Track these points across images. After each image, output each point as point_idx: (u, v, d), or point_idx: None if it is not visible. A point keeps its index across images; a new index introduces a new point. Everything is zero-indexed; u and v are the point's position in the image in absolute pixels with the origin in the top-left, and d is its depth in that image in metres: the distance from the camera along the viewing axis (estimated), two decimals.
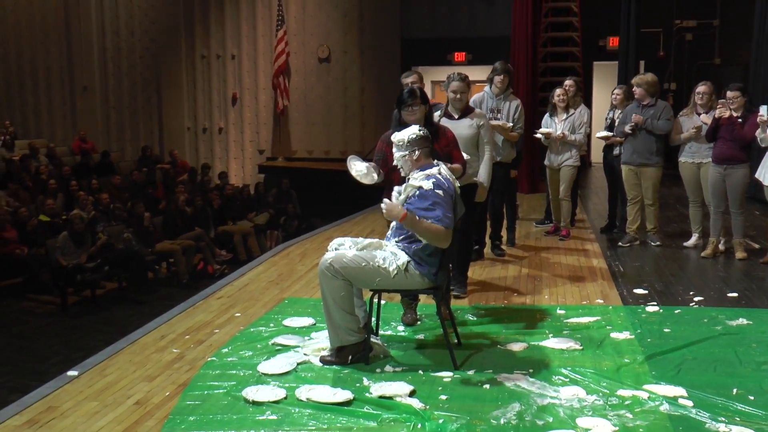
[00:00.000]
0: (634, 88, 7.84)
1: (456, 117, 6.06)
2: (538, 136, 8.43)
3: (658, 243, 8.03)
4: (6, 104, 20.33)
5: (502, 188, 7.51)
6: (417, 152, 4.52)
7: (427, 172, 4.48)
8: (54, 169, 15.06)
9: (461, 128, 5.90)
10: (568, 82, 8.55)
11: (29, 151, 15.87)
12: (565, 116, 8.28)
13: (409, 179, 4.56)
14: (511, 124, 7.21)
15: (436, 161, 4.62)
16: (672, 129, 7.68)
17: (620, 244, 8.09)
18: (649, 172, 7.80)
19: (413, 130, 4.56)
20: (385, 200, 4.47)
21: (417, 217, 4.36)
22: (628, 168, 7.91)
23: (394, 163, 4.66)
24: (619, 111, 8.41)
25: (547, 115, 8.45)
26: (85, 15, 19.56)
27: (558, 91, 8.37)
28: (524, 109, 7.53)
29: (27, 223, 11.59)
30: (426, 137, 4.57)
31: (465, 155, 5.52)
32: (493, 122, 6.99)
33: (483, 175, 5.98)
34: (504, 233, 7.98)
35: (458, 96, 5.99)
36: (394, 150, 4.63)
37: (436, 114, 6.11)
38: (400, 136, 4.56)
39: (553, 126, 8.31)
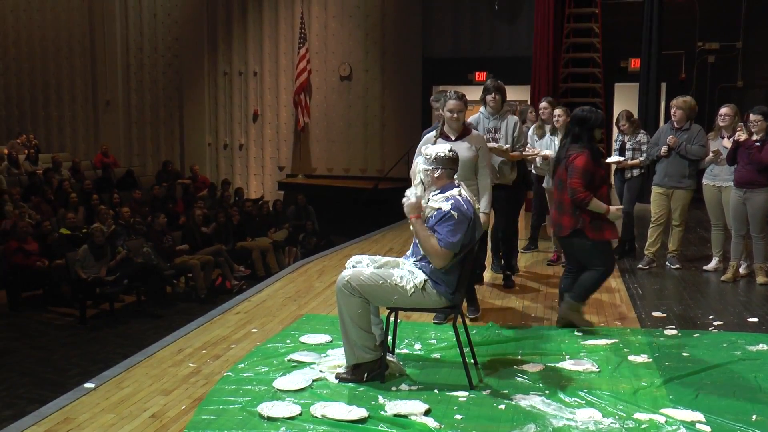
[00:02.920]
0: (674, 111, 7.75)
1: (453, 138, 5.73)
2: (536, 153, 8.01)
3: (677, 266, 7.98)
4: (30, 118, 20.60)
5: (510, 210, 7.08)
6: (440, 171, 4.56)
7: (447, 194, 4.51)
8: (76, 182, 15.21)
9: (460, 150, 5.37)
10: (558, 111, 8.10)
11: (52, 165, 16.05)
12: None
13: (429, 200, 4.58)
14: (509, 146, 6.72)
15: (457, 182, 4.63)
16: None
17: (639, 266, 8.04)
18: (680, 195, 7.79)
19: (444, 149, 4.60)
20: (409, 193, 4.54)
21: (426, 226, 4.45)
22: (659, 190, 7.88)
23: (418, 173, 4.68)
24: (628, 135, 8.38)
25: (548, 135, 8.16)
26: (109, 31, 19.82)
27: (557, 111, 8.05)
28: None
29: (48, 235, 11.69)
30: (454, 159, 4.61)
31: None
32: (490, 145, 6.50)
33: (484, 203, 5.77)
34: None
35: (455, 115, 5.65)
36: (419, 160, 4.69)
37: (431, 134, 5.89)
38: (431, 150, 4.62)
39: (552, 147, 7.99)
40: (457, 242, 4.39)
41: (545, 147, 8.12)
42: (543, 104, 8.51)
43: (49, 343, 9.71)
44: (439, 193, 4.54)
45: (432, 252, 4.40)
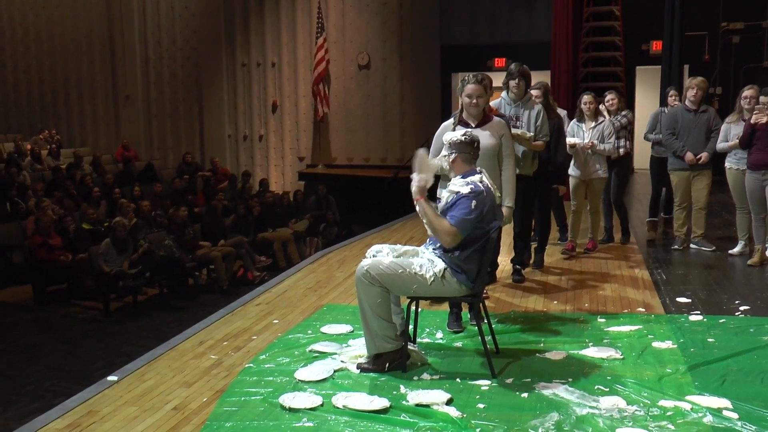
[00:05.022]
0: (694, 91, 7.69)
1: (473, 125, 5.39)
2: (573, 141, 7.74)
3: (713, 248, 8.00)
4: (52, 114, 20.78)
5: (527, 204, 6.63)
6: (454, 155, 4.56)
7: (468, 179, 4.48)
8: (98, 177, 15.31)
9: (482, 139, 5.10)
10: (588, 97, 7.86)
11: (74, 160, 16.17)
12: (593, 124, 7.75)
13: (448, 185, 4.57)
14: (532, 134, 6.37)
15: (479, 168, 4.60)
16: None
17: (674, 247, 8.03)
18: (704, 177, 7.80)
19: (458, 133, 4.60)
20: (417, 176, 4.52)
21: (431, 207, 4.45)
22: (682, 174, 7.84)
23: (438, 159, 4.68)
24: (612, 116, 8.26)
25: (574, 122, 7.90)
26: (128, 26, 19.92)
27: (586, 97, 7.83)
28: (560, 116, 7.17)
29: (69, 228, 11.78)
30: (468, 143, 4.58)
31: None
32: (514, 131, 6.19)
33: (508, 195, 5.52)
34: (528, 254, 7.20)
35: (474, 101, 5.30)
36: (443, 150, 4.68)
37: (449, 121, 5.55)
38: (447, 136, 4.64)
39: (580, 134, 7.77)
40: (468, 222, 4.35)
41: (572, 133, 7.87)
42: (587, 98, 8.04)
43: (74, 337, 9.79)
44: (460, 178, 4.52)
45: (441, 229, 4.38)
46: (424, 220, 4.54)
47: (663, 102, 8.47)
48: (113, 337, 9.68)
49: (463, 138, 4.56)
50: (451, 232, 4.36)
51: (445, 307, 5.80)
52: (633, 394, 4.13)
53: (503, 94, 6.63)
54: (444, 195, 4.59)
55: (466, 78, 5.36)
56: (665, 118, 8.04)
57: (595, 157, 7.75)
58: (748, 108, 7.38)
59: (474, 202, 4.35)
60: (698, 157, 7.67)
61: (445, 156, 4.59)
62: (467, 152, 4.57)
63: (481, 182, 4.47)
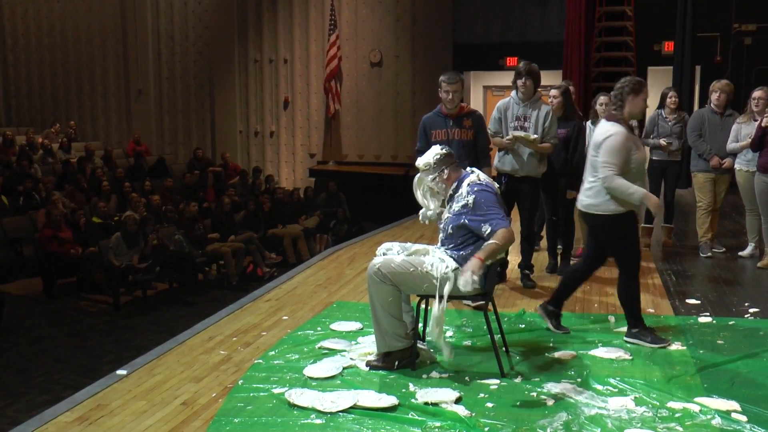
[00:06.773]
0: (718, 95, 7.66)
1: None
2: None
3: (723, 249, 8.04)
4: (64, 107, 20.86)
5: (534, 206, 6.62)
6: (446, 171, 4.59)
7: (467, 181, 4.52)
8: (108, 171, 15.36)
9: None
10: (604, 98, 7.58)
11: (85, 154, 16.23)
12: None
13: (451, 198, 4.62)
14: (536, 136, 6.25)
15: (470, 168, 4.65)
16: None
17: (705, 255, 7.82)
18: (726, 179, 7.84)
19: (435, 151, 4.64)
20: (462, 277, 4.31)
21: (483, 248, 4.32)
22: (707, 175, 7.80)
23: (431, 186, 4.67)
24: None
25: (589, 123, 7.59)
26: (141, 20, 19.95)
27: (602, 98, 7.56)
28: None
29: (80, 221, 11.83)
30: (449, 154, 4.65)
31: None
32: (516, 133, 6.28)
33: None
34: (538, 260, 7.11)
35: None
36: (425, 176, 4.67)
37: (619, 129, 5.15)
38: (425, 160, 4.64)
39: (590, 135, 7.16)
40: (505, 214, 4.40)
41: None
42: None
43: (83, 330, 9.83)
44: (457, 186, 4.55)
45: (504, 241, 4.31)
46: (446, 229, 4.56)
47: (661, 104, 8.32)
48: (123, 331, 9.71)
49: (443, 151, 4.62)
50: (508, 234, 4.32)
51: (455, 305, 5.81)
52: (642, 395, 4.13)
53: (512, 93, 6.56)
54: (452, 215, 4.57)
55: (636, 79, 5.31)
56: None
57: None
58: (758, 110, 7.35)
59: (485, 196, 4.40)
60: (723, 162, 7.65)
61: (435, 178, 4.60)
62: (452, 162, 4.64)
63: (478, 179, 4.53)
